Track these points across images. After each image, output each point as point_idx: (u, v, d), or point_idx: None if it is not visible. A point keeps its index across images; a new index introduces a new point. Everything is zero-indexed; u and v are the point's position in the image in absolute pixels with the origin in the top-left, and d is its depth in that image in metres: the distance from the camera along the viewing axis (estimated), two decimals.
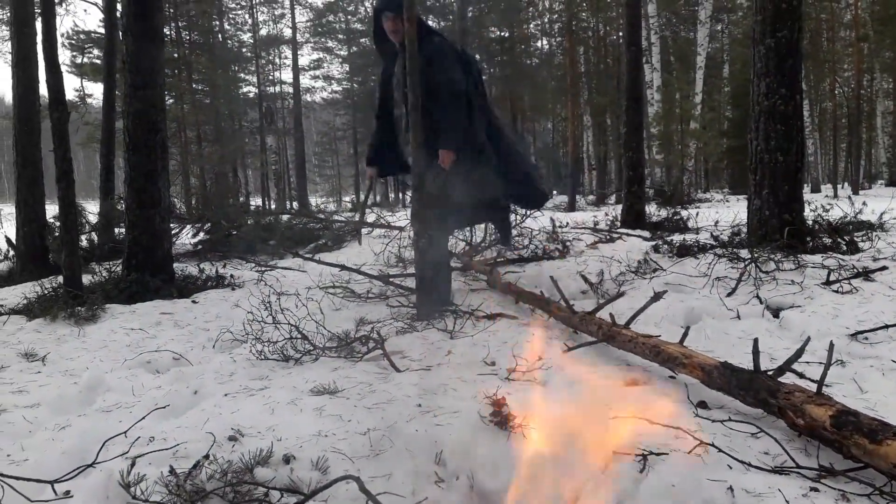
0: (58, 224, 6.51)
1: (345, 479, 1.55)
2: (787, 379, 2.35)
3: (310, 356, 3.32)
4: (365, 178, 4.81)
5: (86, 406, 2.66)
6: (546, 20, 30.72)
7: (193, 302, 4.88)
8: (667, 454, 1.79)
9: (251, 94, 30.96)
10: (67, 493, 1.57)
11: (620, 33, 23.25)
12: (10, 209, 14.64)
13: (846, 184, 27.59)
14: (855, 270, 4.36)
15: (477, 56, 33.90)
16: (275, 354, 3.32)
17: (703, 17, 22.03)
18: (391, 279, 5.26)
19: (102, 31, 12.97)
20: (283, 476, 1.65)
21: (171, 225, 6.35)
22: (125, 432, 1.95)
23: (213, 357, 3.47)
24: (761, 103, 5.77)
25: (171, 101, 20.76)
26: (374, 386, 2.77)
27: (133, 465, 1.64)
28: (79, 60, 23.73)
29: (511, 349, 3.13)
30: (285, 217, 9.32)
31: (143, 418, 2.15)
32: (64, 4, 18.36)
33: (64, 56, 24.71)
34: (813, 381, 2.28)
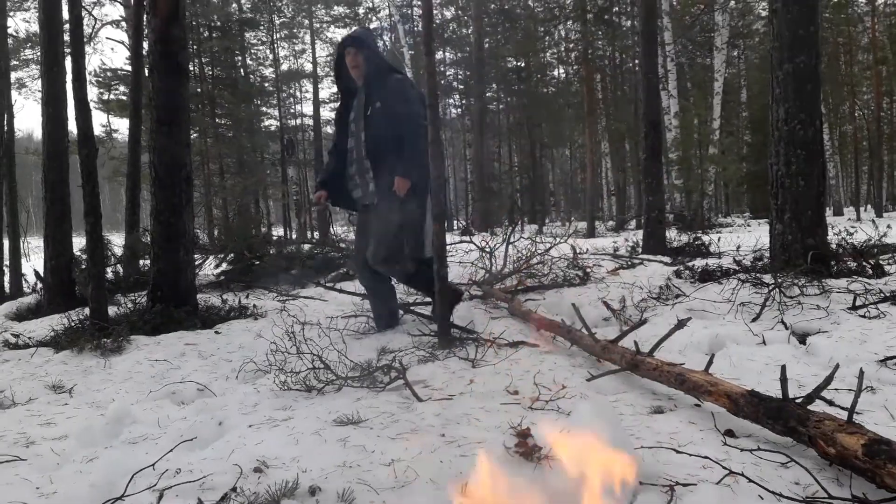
0: (85, 257, 6.63)
1: None
2: (817, 407, 2.32)
3: (332, 386, 3.32)
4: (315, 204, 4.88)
5: (112, 438, 2.69)
6: (562, 49, 31.01)
7: (217, 332, 4.92)
8: (695, 485, 1.76)
9: (272, 127, 31.49)
10: None
11: (636, 60, 23.39)
12: (38, 242, 14.93)
13: (869, 206, 27.27)
14: (882, 295, 4.30)
15: (494, 85, 34.34)
16: (298, 385, 3.33)
17: (719, 44, 22.11)
18: (411, 307, 5.27)
19: (129, 68, 13.31)
20: None
21: (195, 256, 6.44)
22: (153, 465, 1.97)
23: (237, 388, 3.49)
24: (781, 129, 5.76)
25: (195, 135, 21.19)
26: (397, 416, 2.77)
27: (161, 497, 1.65)
28: (105, 97, 24.34)
29: (533, 378, 3.11)
30: (306, 247, 9.41)
31: (171, 451, 2.16)
32: (92, 43, 18.89)
33: (91, 93, 25.32)
34: (843, 408, 2.24)
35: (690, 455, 2.03)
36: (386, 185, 4.38)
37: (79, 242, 6.99)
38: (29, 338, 5.02)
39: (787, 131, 5.70)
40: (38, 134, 7.93)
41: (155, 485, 1.79)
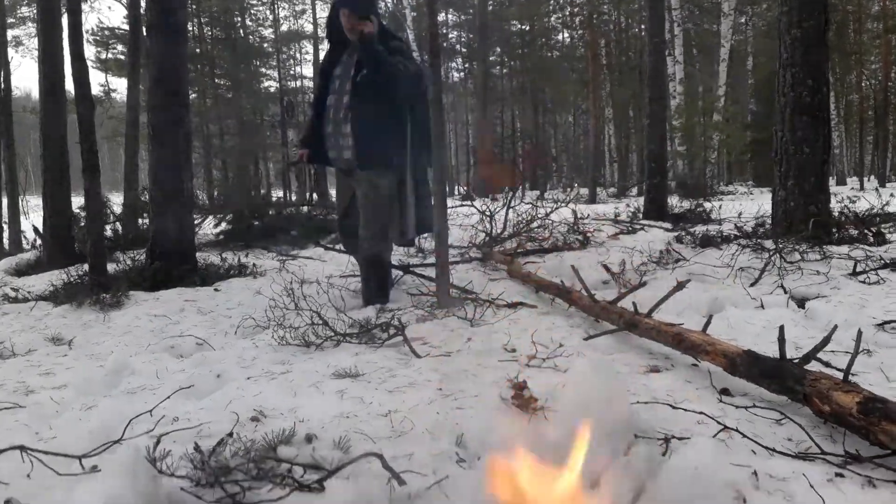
0: (84, 214, 6.62)
1: (367, 456, 1.56)
2: (813, 367, 2.32)
3: (331, 342, 3.33)
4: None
5: (111, 388, 2.70)
6: (567, 13, 30.53)
7: (216, 290, 4.93)
8: (689, 438, 1.77)
9: (272, 89, 31.17)
10: (94, 468, 1.59)
11: (643, 26, 23.02)
12: (37, 201, 14.89)
13: (872, 177, 27.13)
14: (882, 261, 4.29)
15: (497, 49, 33.86)
16: (296, 340, 3.34)
17: (726, 9, 21.75)
18: (411, 268, 5.27)
19: (127, 27, 13.11)
20: (305, 454, 1.66)
21: (194, 215, 6.42)
22: (150, 411, 1.98)
23: (236, 342, 3.50)
24: (787, 94, 5.70)
25: (194, 95, 20.97)
26: (395, 371, 2.78)
27: (158, 442, 1.66)
28: (103, 56, 24.06)
29: (531, 336, 3.12)
30: (306, 208, 9.38)
31: (168, 398, 2.17)
32: (89, 1, 18.59)
33: (89, 52, 24.99)
34: (839, 369, 2.24)
35: (686, 411, 2.04)
36: (367, 158, 4.20)
37: (78, 202, 6.96)
38: (28, 292, 5.03)
39: (793, 97, 5.64)
40: (36, 93, 7.83)
41: (152, 430, 1.80)
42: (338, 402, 2.27)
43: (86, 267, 5.13)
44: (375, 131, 4.14)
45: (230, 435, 1.69)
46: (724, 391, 2.39)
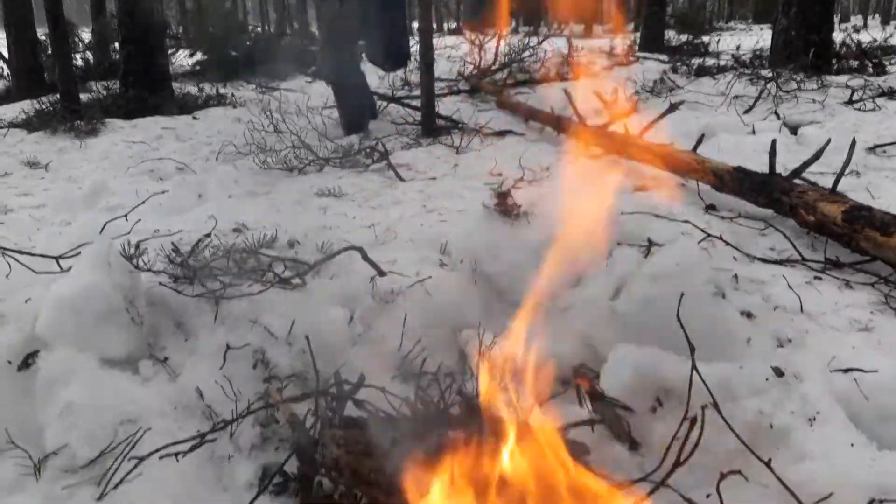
0: (49, 42, 6.23)
1: (348, 250, 1.55)
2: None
3: (314, 167, 3.27)
4: None
5: (90, 207, 2.66)
6: None
7: (194, 118, 4.77)
8: (673, 242, 1.77)
9: None
10: (71, 269, 1.57)
11: None
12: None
13: (877, 15, 26.04)
14: (880, 90, 4.18)
15: None
16: (279, 165, 3.27)
17: None
18: (396, 98, 5.10)
19: None
20: (287, 256, 1.65)
21: (167, 42, 6.08)
22: (125, 215, 1.95)
23: (217, 167, 3.42)
24: None
25: None
26: (380, 192, 2.74)
27: (137, 246, 1.63)
28: None
29: (519, 160, 3.06)
30: (285, 39, 8.91)
31: (148, 215, 2.13)
32: None
33: None
34: (827, 188, 2.23)
35: (671, 220, 2.04)
36: None
37: (43, 32, 6.53)
38: (0, 119, 4.84)
39: None
40: None
41: (128, 233, 1.77)
42: (321, 217, 2.25)
43: (58, 96, 4.91)
44: None
45: (208, 235, 1.67)
46: (711, 207, 2.38)
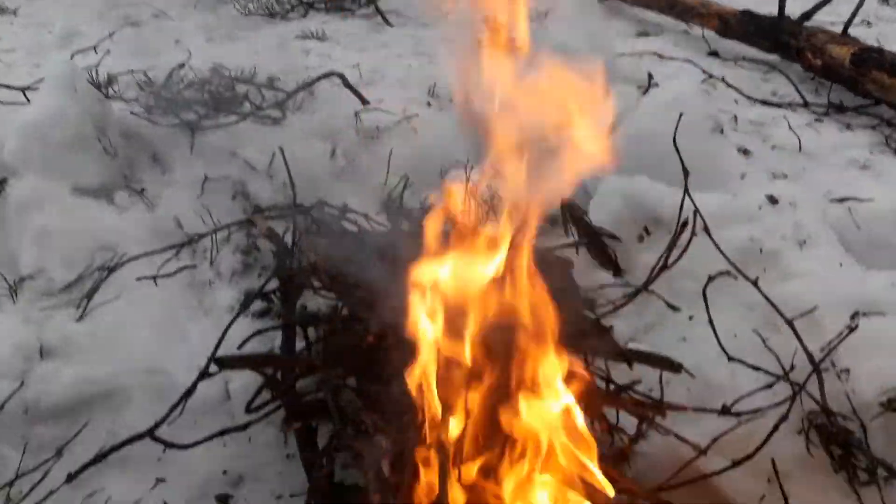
0: None
1: (329, 76, 1.48)
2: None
3: (297, 12, 3.09)
4: None
5: (62, 50, 2.51)
6: None
7: None
8: (672, 80, 1.70)
9: None
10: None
11: None
12: None
13: None
14: None
15: None
16: (261, 11, 3.09)
17: None
18: None
19: None
20: (265, 86, 1.57)
21: None
22: (94, 48, 1.85)
23: (196, 14, 3.23)
24: None
25: None
26: (366, 36, 2.61)
27: (109, 79, 1.55)
28: None
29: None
30: None
31: (111, 35, 2.01)
32: None
33: None
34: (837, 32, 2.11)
35: (671, 59, 1.95)
36: None
37: None
38: None
39: None
40: None
41: (97, 65, 1.68)
42: (303, 58, 2.15)
43: None
44: None
45: (182, 66, 1.59)
46: (714, 53, 2.27)
